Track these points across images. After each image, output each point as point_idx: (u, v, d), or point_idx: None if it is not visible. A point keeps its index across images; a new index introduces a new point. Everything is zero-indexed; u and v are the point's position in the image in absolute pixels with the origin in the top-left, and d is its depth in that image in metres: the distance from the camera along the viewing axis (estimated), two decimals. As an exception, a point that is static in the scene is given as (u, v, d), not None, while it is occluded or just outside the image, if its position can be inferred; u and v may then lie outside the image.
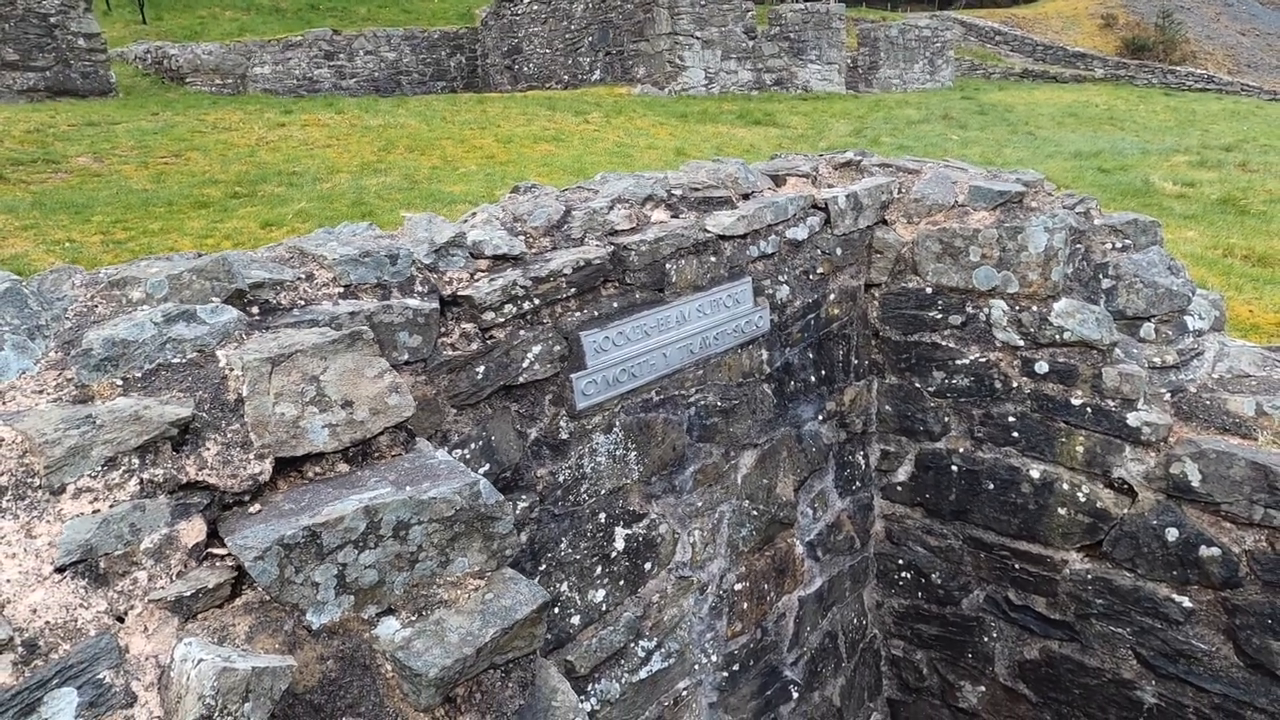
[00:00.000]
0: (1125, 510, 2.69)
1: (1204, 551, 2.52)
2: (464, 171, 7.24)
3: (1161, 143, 10.64)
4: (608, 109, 12.01)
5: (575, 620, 2.28)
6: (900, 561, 3.33)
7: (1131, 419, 2.63)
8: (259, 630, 1.07)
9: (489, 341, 1.95)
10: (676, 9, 15.42)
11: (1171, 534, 2.58)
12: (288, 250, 1.86)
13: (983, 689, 3.20)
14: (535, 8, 18.28)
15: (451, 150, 8.18)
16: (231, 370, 1.28)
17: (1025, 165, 8.22)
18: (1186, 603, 2.61)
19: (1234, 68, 31.84)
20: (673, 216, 2.48)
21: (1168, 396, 2.66)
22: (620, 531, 2.39)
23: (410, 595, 1.19)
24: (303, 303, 1.67)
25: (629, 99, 13.76)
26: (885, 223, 3.11)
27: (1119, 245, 3.00)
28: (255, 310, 1.56)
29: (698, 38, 15.88)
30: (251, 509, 1.20)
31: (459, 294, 1.93)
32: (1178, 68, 29.96)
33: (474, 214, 2.29)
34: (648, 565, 2.48)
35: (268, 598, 1.10)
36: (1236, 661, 2.55)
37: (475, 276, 2.00)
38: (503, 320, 1.97)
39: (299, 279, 1.72)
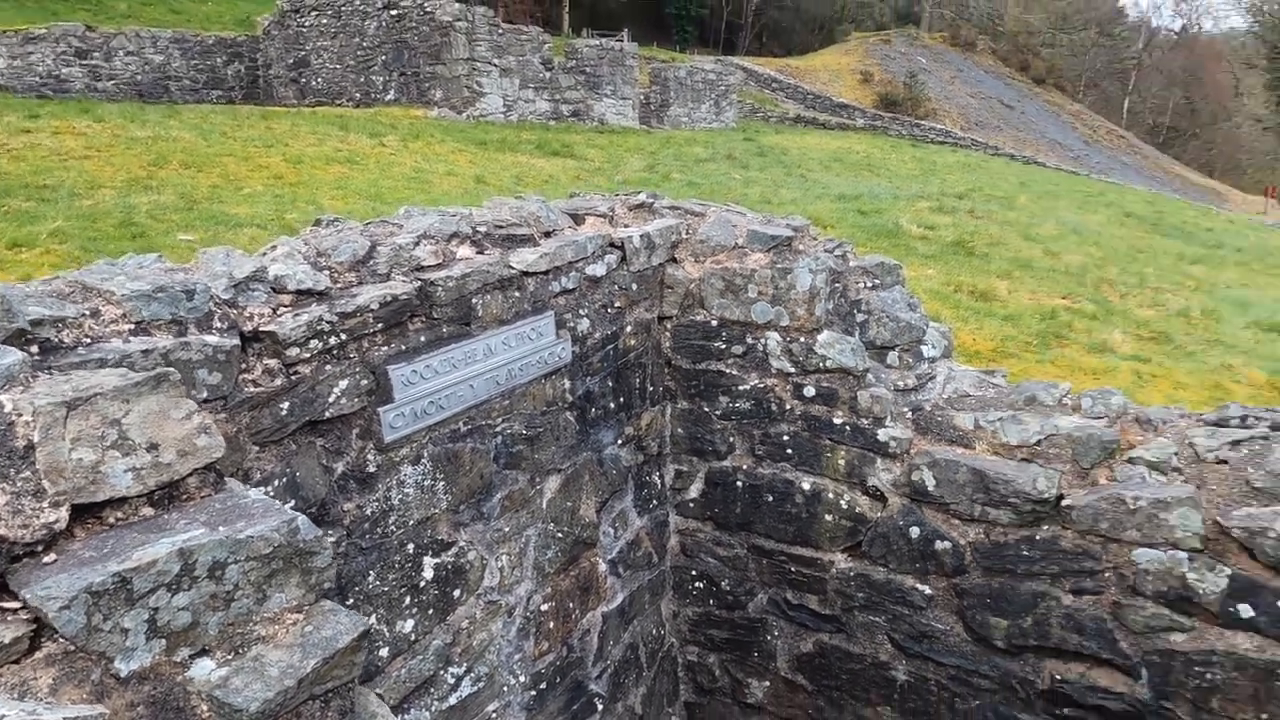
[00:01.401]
0: (878, 514, 3.11)
1: (939, 545, 2.98)
2: (249, 192, 6.85)
3: (909, 189, 12.16)
4: (404, 132, 11.80)
5: (384, 652, 2.29)
6: (694, 572, 3.59)
7: (881, 434, 3.05)
8: (64, 682, 1.05)
9: (293, 377, 1.95)
10: (474, 36, 15.46)
11: (914, 532, 3.02)
12: (67, 284, 1.76)
13: (767, 684, 3.52)
14: (324, 21, 17.56)
15: (234, 168, 7.70)
16: (20, 415, 1.23)
17: (798, 205, 9.10)
18: (927, 590, 3.05)
19: (966, 124, 36.76)
20: (478, 253, 2.58)
21: (909, 414, 3.12)
22: (429, 561, 2.43)
23: (226, 634, 1.20)
24: (89, 340, 1.60)
25: (426, 122, 13.58)
26: (675, 260, 3.39)
27: (870, 284, 3.48)
28: (36, 349, 1.48)
29: (496, 65, 16.00)
30: (46, 559, 1.17)
31: (261, 329, 1.91)
32: (923, 122, 34.16)
33: (274, 247, 2.26)
34: (457, 592, 2.54)
35: (72, 648, 1.07)
36: (965, 637, 3.02)
37: (278, 311, 1.99)
38: (308, 356, 1.97)
39: (83, 315, 1.65)
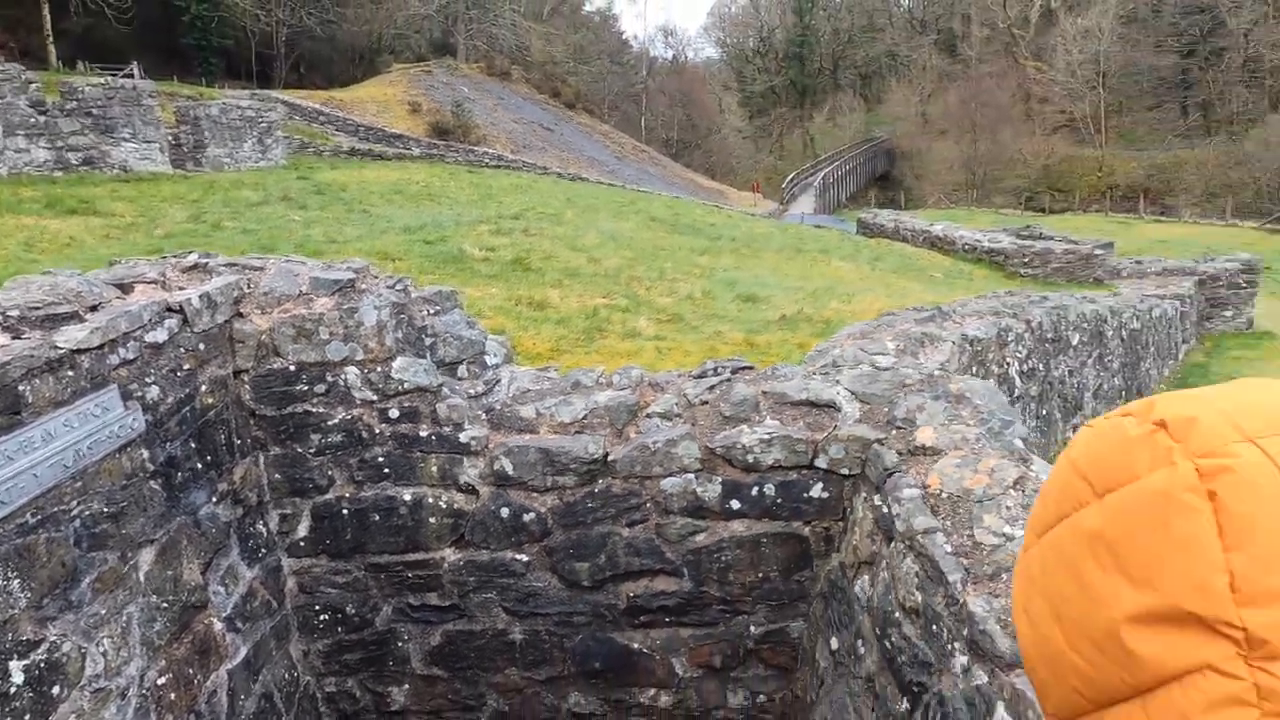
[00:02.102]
0: (474, 505, 3.60)
1: (526, 518, 3.57)
2: None
3: (469, 214, 13.00)
4: None
5: (-21, 773, 2.15)
6: (317, 607, 3.74)
7: (463, 437, 3.54)
8: None
9: None
10: (-74, 77, 12.76)
11: (504, 512, 3.57)
12: None
13: (407, 686, 3.82)
14: None
15: None
16: None
17: (365, 242, 9.29)
18: (524, 558, 3.63)
19: (515, 148, 39.60)
20: (15, 338, 2.49)
21: (484, 416, 3.66)
22: (16, 665, 2.31)
23: None
24: None
25: (-128, 185, 10.91)
26: (242, 315, 3.50)
27: (433, 311, 3.95)
28: None
29: (-35, 111, 13.36)
30: None
31: None
32: (476, 148, 35.99)
33: None
34: (56, 689, 2.43)
35: None
36: (560, 586, 3.66)
37: None
38: None
39: None
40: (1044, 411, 6.40)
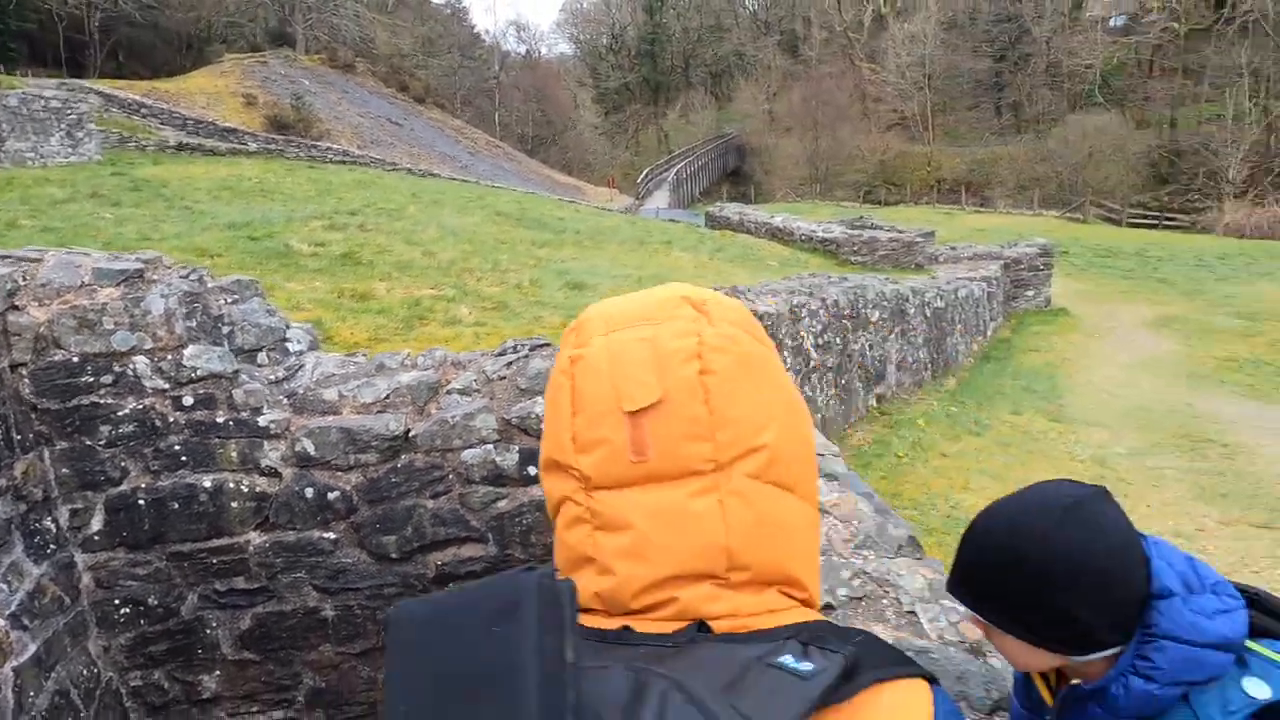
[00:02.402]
0: (277, 488, 3.68)
1: (330, 496, 3.68)
2: None
3: (304, 210, 12.63)
4: None
5: None
6: (117, 601, 3.70)
7: (262, 421, 3.61)
8: None
9: None
10: None
11: (309, 492, 3.67)
12: None
13: (218, 672, 3.85)
14: None
15: None
16: None
17: (183, 239, 8.91)
18: (332, 535, 3.74)
19: (362, 143, 38.31)
20: None
21: (285, 400, 3.74)
22: None
23: None
24: None
25: None
26: (17, 308, 3.42)
27: (231, 300, 3.97)
28: None
29: None
30: None
31: None
32: (319, 143, 34.55)
33: None
34: None
35: None
36: (370, 560, 3.80)
37: None
38: None
39: None
40: (843, 381, 7.01)
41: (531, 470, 3.73)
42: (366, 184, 19.50)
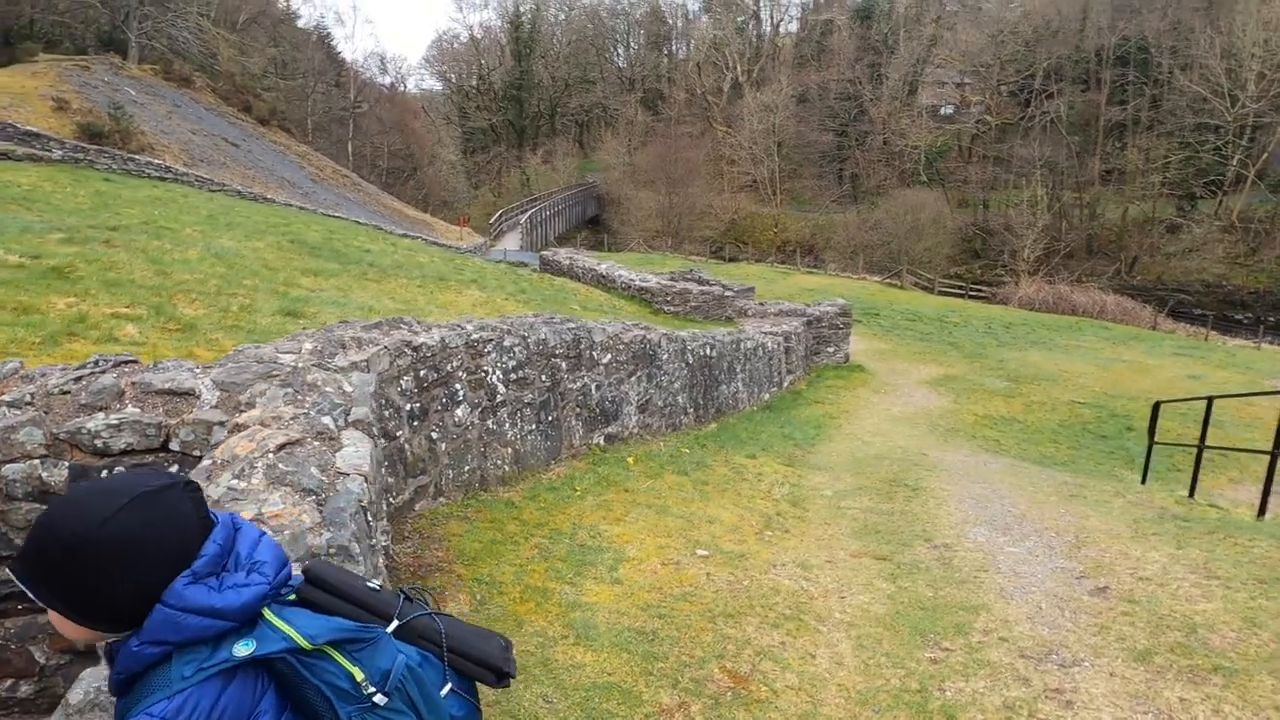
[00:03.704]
0: None
1: None
2: None
3: (56, 222, 11.82)
4: None
5: None
6: None
7: None
8: None
9: None
10: None
11: None
12: None
13: None
14: None
15: None
16: None
17: None
18: None
19: (190, 160, 36.35)
20: None
21: None
22: None
23: None
24: None
25: None
26: None
27: None
28: None
29: None
30: None
31: None
32: (137, 156, 32.49)
33: None
34: None
35: None
36: (-110, 581, 3.55)
37: None
38: None
39: None
40: (550, 417, 7.23)
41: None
42: (164, 201, 18.57)
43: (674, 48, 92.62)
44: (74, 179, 19.96)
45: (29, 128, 30.79)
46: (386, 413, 4.94)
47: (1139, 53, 55.87)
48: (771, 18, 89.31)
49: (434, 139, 78.33)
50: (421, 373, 5.31)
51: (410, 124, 74.21)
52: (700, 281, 26.44)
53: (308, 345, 4.62)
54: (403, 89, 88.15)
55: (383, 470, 4.72)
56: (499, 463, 6.31)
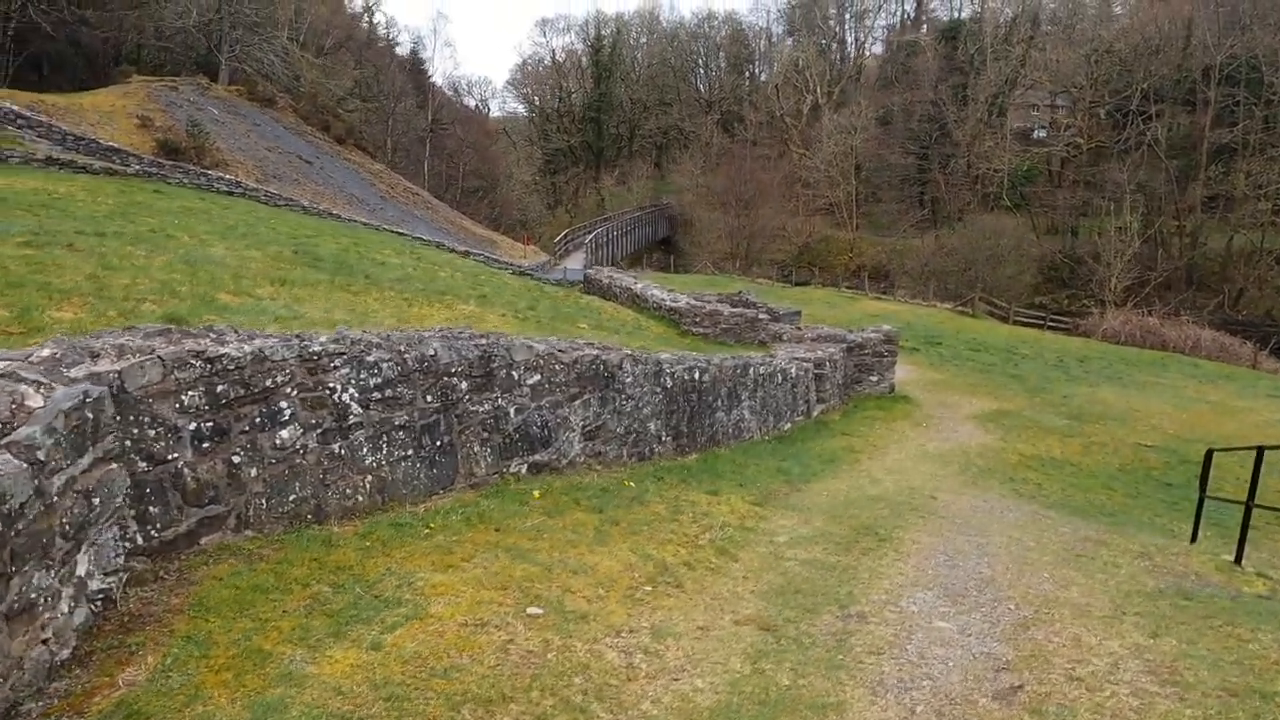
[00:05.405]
0: None
1: None
2: None
3: (49, 227, 11.94)
4: None
5: None
6: None
7: None
8: None
9: None
10: None
11: None
12: None
13: None
14: None
15: None
16: None
17: None
18: None
19: (262, 177, 37.70)
20: None
21: None
22: None
23: None
24: None
25: None
26: None
27: None
28: None
29: None
30: None
31: None
32: (210, 171, 33.86)
33: None
34: None
35: None
36: None
37: None
38: None
39: None
40: (439, 442, 6.60)
41: None
42: (193, 212, 18.90)
43: (755, 69, 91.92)
44: (120, 189, 20.63)
45: (110, 143, 32.43)
46: (152, 433, 4.33)
47: (1250, 71, 51.93)
48: (856, 39, 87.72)
49: (511, 159, 79.69)
50: (219, 388, 4.68)
51: (487, 145, 75.73)
52: (743, 304, 25.45)
53: (44, 352, 4.06)
54: (485, 111, 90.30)
55: (122, 500, 4.11)
56: (349, 492, 5.63)
